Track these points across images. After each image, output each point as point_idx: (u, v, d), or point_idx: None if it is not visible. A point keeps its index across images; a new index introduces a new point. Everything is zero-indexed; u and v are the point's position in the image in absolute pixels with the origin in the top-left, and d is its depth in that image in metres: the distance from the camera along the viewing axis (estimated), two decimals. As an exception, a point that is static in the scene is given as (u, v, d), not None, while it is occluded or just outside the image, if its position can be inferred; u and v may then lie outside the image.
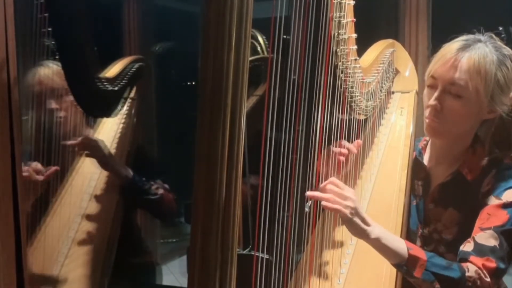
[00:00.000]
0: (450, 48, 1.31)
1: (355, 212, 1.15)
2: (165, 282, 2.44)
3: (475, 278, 1.16)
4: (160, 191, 1.77)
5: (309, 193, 1.17)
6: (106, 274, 1.63)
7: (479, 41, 1.31)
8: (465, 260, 1.19)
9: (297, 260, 1.31)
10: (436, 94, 1.30)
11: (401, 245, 1.18)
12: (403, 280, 1.26)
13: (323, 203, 1.15)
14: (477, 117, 1.33)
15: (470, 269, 1.17)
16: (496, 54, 1.29)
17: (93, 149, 1.67)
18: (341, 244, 1.32)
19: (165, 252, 3.53)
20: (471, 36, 1.33)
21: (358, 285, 1.26)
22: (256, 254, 1.04)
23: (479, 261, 1.18)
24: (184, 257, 3.35)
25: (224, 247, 0.77)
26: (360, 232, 1.16)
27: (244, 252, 2.06)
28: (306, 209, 1.22)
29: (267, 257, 1.08)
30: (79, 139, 1.67)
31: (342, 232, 1.35)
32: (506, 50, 1.32)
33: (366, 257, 1.30)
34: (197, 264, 0.77)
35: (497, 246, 1.19)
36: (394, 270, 1.24)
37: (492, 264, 1.18)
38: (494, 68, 1.27)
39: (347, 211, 1.14)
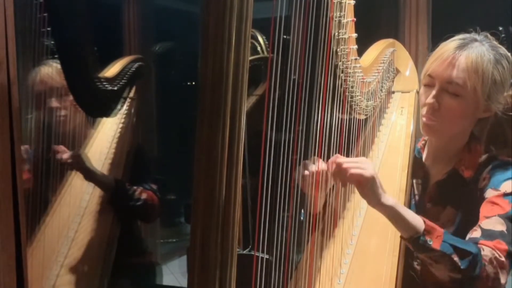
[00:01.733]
0: (448, 47, 1.31)
1: (376, 175, 1.13)
2: (165, 282, 2.44)
3: (491, 257, 1.14)
4: (144, 195, 1.76)
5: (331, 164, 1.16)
6: (106, 274, 1.63)
7: (475, 40, 1.31)
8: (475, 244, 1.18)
9: (297, 260, 1.31)
10: (433, 92, 1.30)
11: (416, 217, 1.15)
12: (403, 280, 1.25)
13: (352, 171, 1.13)
14: (473, 116, 1.33)
15: (485, 249, 1.15)
16: (493, 53, 1.29)
17: (78, 163, 1.67)
18: (341, 244, 1.32)
19: (165, 252, 3.53)
20: (467, 35, 1.34)
21: (358, 285, 1.26)
22: (256, 254, 1.04)
23: (490, 243, 1.17)
24: (184, 257, 3.36)
25: (224, 247, 0.77)
26: (377, 198, 1.13)
27: (244, 252, 2.06)
28: (302, 218, 1.21)
29: (267, 257, 1.08)
30: (67, 155, 1.66)
31: (342, 232, 1.34)
32: (502, 49, 1.32)
33: (366, 257, 1.30)
34: (197, 264, 0.77)
35: (505, 231, 1.18)
36: (394, 270, 1.23)
37: (503, 246, 1.16)
38: (491, 67, 1.28)
39: (369, 174, 1.12)
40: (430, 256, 1.15)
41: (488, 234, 1.19)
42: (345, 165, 1.14)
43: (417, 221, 1.14)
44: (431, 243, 1.13)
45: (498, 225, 1.19)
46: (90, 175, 1.69)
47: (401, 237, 1.18)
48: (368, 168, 1.13)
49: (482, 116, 1.34)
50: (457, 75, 1.27)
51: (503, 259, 1.15)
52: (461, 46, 1.29)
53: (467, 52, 1.28)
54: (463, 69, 1.27)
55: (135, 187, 1.76)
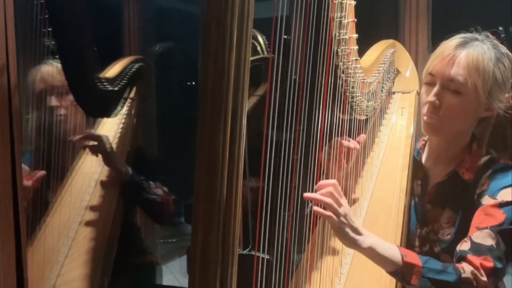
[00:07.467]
0: (448, 45, 1.31)
1: (347, 220, 1.12)
2: (165, 282, 2.44)
3: (471, 279, 1.15)
4: (159, 191, 1.77)
5: (307, 195, 1.14)
6: (106, 274, 1.63)
7: (476, 39, 1.32)
8: (463, 258, 1.18)
9: (298, 260, 1.31)
10: (434, 90, 1.30)
11: (395, 253, 1.15)
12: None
13: (315, 208, 1.12)
14: (474, 114, 1.33)
15: (466, 270, 1.15)
16: (494, 51, 1.29)
17: (98, 143, 1.68)
18: (342, 244, 1.32)
19: (165, 252, 3.53)
20: (468, 35, 1.34)
21: (358, 285, 1.26)
22: (256, 254, 1.04)
23: (476, 260, 1.16)
24: (184, 257, 3.36)
25: (225, 247, 0.77)
26: (352, 242, 1.13)
27: (244, 252, 2.06)
28: (307, 211, 1.22)
29: (268, 257, 1.08)
30: (84, 134, 1.67)
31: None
32: (503, 48, 1.32)
33: (366, 257, 1.30)
34: (197, 264, 0.77)
35: (494, 246, 1.18)
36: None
37: (490, 263, 1.16)
38: (492, 65, 1.27)
39: (337, 220, 1.11)
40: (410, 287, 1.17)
41: (477, 249, 1.18)
42: (324, 200, 1.12)
43: (396, 257, 1.14)
44: (409, 278, 1.14)
45: (488, 239, 1.19)
46: (109, 159, 1.69)
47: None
48: (340, 212, 1.12)
49: (484, 115, 1.33)
50: (458, 72, 1.27)
51: (484, 278, 1.15)
52: (462, 44, 1.29)
53: (468, 50, 1.28)
54: (464, 67, 1.27)
55: (151, 182, 1.76)
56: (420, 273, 1.14)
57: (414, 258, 1.16)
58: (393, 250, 1.16)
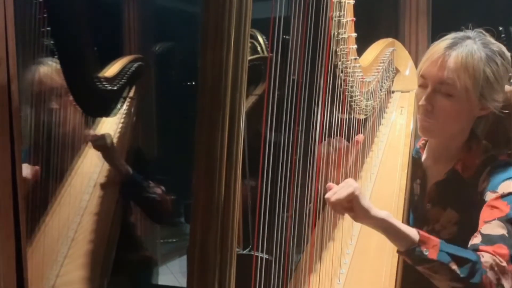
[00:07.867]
0: (438, 47, 1.30)
1: (361, 192, 1.12)
2: (165, 282, 2.44)
3: (491, 264, 1.12)
4: (158, 191, 1.78)
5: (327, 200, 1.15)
6: (106, 274, 1.63)
7: (468, 38, 1.30)
8: (476, 251, 1.16)
9: (297, 260, 1.31)
10: (426, 94, 1.29)
11: (409, 227, 1.13)
12: (403, 281, 1.25)
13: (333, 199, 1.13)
14: (469, 114, 1.32)
15: (485, 256, 1.13)
16: (485, 50, 1.27)
17: (99, 140, 1.68)
18: (341, 244, 1.32)
19: (165, 252, 3.53)
20: (460, 34, 1.32)
21: (358, 285, 1.26)
22: (256, 254, 1.04)
23: (489, 248, 1.14)
24: (184, 257, 3.35)
25: (224, 247, 0.77)
26: (364, 212, 1.11)
27: (244, 252, 2.06)
28: (310, 206, 1.22)
29: (267, 257, 1.08)
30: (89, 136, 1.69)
31: (342, 232, 1.34)
32: (496, 46, 1.30)
33: (366, 257, 1.30)
34: (196, 264, 0.77)
35: (506, 235, 1.16)
36: (394, 270, 1.23)
37: (504, 250, 1.14)
38: (482, 65, 1.25)
39: (357, 192, 1.10)
40: (428, 267, 1.13)
41: (488, 239, 1.17)
42: (332, 199, 1.14)
43: (412, 231, 1.13)
44: (427, 253, 1.11)
45: (498, 229, 1.17)
46: (111, 157, 1.70)
47: (397, 251, 1.16)
48: (354, 186, 1.12)
49: (480, 114, 1.32)
50: (447, 75, 1.26)
51: (504, 264, 1.13)
52: (451, 46, 1.28)
53: (457, 52, 1.26)
54: (453, 69, 1.25)
55: (150, 181, 1.77)
56: (438, 247, 1.11)
57: (428, 234, 1.14)
58: (407, 226, 1.15)
